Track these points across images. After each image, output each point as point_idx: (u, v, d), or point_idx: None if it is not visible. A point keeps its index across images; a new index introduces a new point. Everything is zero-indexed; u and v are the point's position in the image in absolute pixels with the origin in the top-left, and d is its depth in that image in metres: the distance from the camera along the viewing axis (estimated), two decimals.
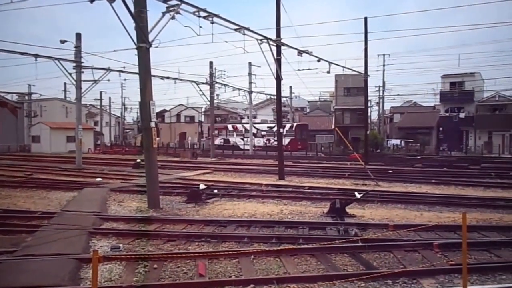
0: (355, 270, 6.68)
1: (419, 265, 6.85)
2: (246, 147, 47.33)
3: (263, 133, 48.59)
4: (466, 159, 35.58)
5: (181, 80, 35.69)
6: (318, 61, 23.97)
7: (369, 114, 45.18)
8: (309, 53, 22.49)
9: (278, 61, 20.36)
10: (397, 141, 50.54)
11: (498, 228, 9.43)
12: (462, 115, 48.09)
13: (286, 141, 43.08)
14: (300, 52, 21.96)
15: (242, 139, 49.49)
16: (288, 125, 46.26)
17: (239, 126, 51.27)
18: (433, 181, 18.94)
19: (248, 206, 12.77)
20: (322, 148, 48.11)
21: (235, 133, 50.75)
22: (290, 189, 16.19)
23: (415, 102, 59.41)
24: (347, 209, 11.23)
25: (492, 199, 13.68)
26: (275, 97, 24.00)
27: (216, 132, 49.57)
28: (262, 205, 13.03)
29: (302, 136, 48.05)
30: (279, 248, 7.72)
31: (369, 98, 41.32)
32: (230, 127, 51.98)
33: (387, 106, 60.17)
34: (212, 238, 8.58)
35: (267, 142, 47.49)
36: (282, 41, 20.37)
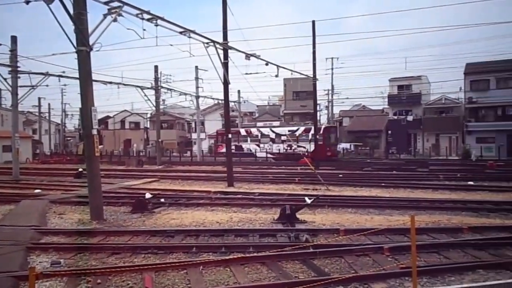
0: (306, 277, 6.50)
1: (370, 270, 6.78)
2: (262, 154, 42.02)
3: (283, 138, 42.17)
4: (414, 161, 36.95)
5: (124, 85, 34.46)
6: (266, 64, 23.94)
7: (318, 118, 45.82)
8: (257, 57, 22.40)
9: (225, 65, 20.07)
10: (347, 145, 51.37)
11: (446, 229, 9.58)
12: (410, 118, 49.89)
13: (312, 147, 38.95)
14: (247, 56, 21.80)
15: (258, 145, 43.90)
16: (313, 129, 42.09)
17: (253, 130, 45.18)
18: (383, 184, 19.34)
19: (196, 214, 12.35)
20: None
21: (249, 139, 44.87)
22: (239, 196, 15.88)
23: (364, 105, 61.27)
24: (298, 215, 11.08)
25: (441, 201, 14.02)
26: (223, 101, 23.67)
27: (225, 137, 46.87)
28: (211, 213, 12.64)
29: (331, 140, 42.07)
30: (228, 257, 7.40)
31: (318, 101, 42.04)
32: (243, 131, 45.65)
33: (336, 110, 61.69)
34: (159, 249, 8.19)
35: (288, 148, 41.45)
36: (229, 44, 20.13)
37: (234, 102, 49.57)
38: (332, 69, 55.07)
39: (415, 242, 4.94)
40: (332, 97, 57.15)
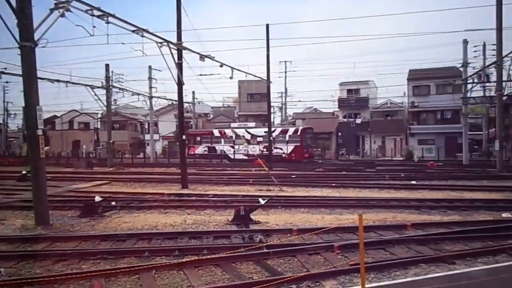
0: (260, 278, 6.56)
1: (322, 268, 6.97)
2: (237, 156, 40.95)
3: (259, 139, 41.31)
4: (362, 162, 38.33)
5: (73, 83, 33.12)
6: (221, 66, 23.95)
7: (272, 120, 46.32)
8: (212, 58, 22.36)
9: (179, 65, 19.85)
10: None
11: (392, 227, 10.04)
12: (358, 120, 51.90)
13: (289, 148, 39.33)
14: (202, 57, 21.71)
15: (232, 147, 42.74)
16: (291, 129, 41.00)
17: (228, 131, 43.99)
18: (333, 184, 19.87)
19: (149, 217, 12.12)
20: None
21: (222, 140, 43.73)
22: (193, 198, 15.79)
23: (316, 108, 62.64)
24: (252, 216, 11.17)
25: (386, 199, 14.67)
26: (177, 102, 23.40)
27: (199, 139, 44.58)
28: (164, 216, 12.46)
29: (308, 142, 41.54)
30: (182, 260, 7.34)
31: (272, 104, 42.53)
32: (216, 132, 44.54)
33: (290, 112, 62.55)
34: (110, 254, 7.95)
35: (265, 149, 39.82)
36: (183, 45, 19.94)
37: (188, 103, 49.07)
38: (285, 72, 56.04)
39: (363, 240, 5.12)
40: (285, 99, 58.13)
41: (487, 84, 36.11)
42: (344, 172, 27.44)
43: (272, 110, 44.97)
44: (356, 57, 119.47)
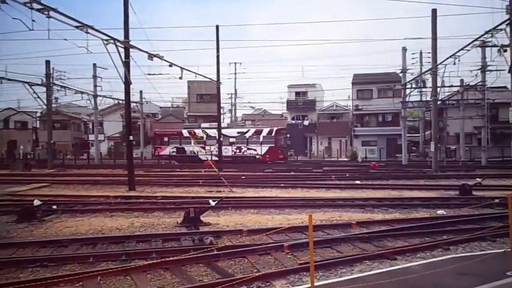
0: (210, 280, 6.55)
1: (272, 268, 7.07)
2: (208, 157, 38.12)
3: (231, 140, 40.08)
4: (310, 163, 39.23)
5: (9, 80, 31.15)
6: (170, 66, 23.59)
7: (222, 121, 46.17)
8: (161, 58, 21.97)
9: (126, 64, 19.33)
10: None
11: (338, 225, 10.39)
12: (306, 122, 53.30)
13: (263, 149, 38.40)
14: (150, 56, 21.28)
15: (203, 148, 41.03)
16: (265, 130, 39.60)
17: (198, 131, 42.20)
18: (282, 185, 20.18)
19: (93, 221, 11.69)
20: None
21: (192, 140, 41.97)
22: (141, 200, 15.43)
23: (265, 110, 63.32)
24: (202, 218, 11.12)
25: (333, 199, 15.11)
26: (123, 102, 22.76)
27: (166, 139, 42.42)
28: (110, 219, 12.06)
29: (282, 143, 41.13)
30: (129, 265, 7.14)
31: (221, 105, 42.39)
32: (185, 132, 42.60)
33: (239, 113, 62.73)
34: (50, 261, 7.54)
35: (237, 150, 39.77)
36: (131, 43, 19.44)
37: (136, 102, 47.70)
38: (235, 73, 56.16)
39: (312, 239, 5.28)
40: (235, 100, 58.23)
41: (424, 89, 38.20)
42: (292, 173, 27.97)
43: (221, 111, 44.83)
44: (305, 60, 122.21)
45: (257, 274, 6.57)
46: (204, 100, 51.98)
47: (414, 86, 37.59)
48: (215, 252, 7.72)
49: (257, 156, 38.78)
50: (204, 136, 41.58)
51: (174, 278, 6.72)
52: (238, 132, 40.38)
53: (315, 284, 5.36)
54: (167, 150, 42.47)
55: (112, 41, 18.36)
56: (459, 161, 37.75)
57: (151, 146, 50.24)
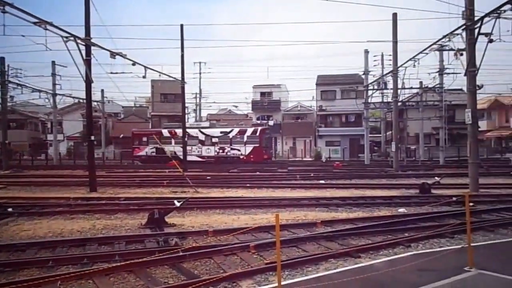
0: (176, 282, 6.46)
1: (238, 268, 7.04)
2: (190, 158, 37.06)
3: (214, 140, 39.35)
4: (275, 163, 39.42)
5: None
6: (133, 64, 23.16)
7: (186, 120, 45.60)
8: (123, 56, 21.49)
9: (87, 62, 18.80)
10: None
11: (303, 225, 10.49)
12: (271, 122, 53.66)
13: (247, 149, 37.63)
14: (113, 54, 20.75)
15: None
16: (250, 130, 39.00)
17: (179, 131, 39.55)
18: (248, 185, 20.21)
19: (53, 224, 11.26)
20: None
21: (173, 141, 40.31)
22: (103, 202, 14.99)
23: (230, 109, 63.19)
24: (167, 219, 10.96)
25: (298, 198, 15.29)
26: (84, 101, 22.09)
27: (145, 139, 40.68)
28: (70, 221, 11.67)
29: (266, 143, 40.74)
30: (91, 268, 6.92)
31: (186, 104, 41.95)
32: (165, 132, 41.16)
33: (204, 113, 62.37)
34: (6, 266, 7.20)
35: (220, 151, 38.84)
36: (92, 40, 18.89)
37: (97, 102, 46.41)
38: (200, 73, 55.80)
39: (279, 239, 5.30)
40: (200, 100, 57.79)
41: (385, 90, 39.37)
42: (258, 173, 28.04)
43: (186, 111, 44.37)
44: (270, 61, 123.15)
45: (223, 275, 6.53)
46: (168, 100, 51.29)
47: (376, 87, 38.65)
48: (181, 253, 7.61)
49: (241, 157, 38.27)
50: (186, 136, 40.58)
51: (138, 280, 6.57)
52: (221, 132, 39.64)
53: (282, 283, 5.38)
54: (146, 151, 41.13)
55: (72, 38, 17.79)
56: (419, 160, 39.09)
57: (113, 146, 49.07)
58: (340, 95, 51.72)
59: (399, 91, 31.86)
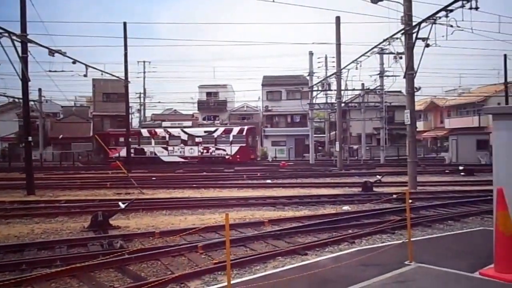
0: (122, 285, 6.30)
1: (186, 269, 6.98)
2: (171, 158, 36.92)
3: (198, 139, 38.28)
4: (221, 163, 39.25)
5: None
6: (74, 63, 22.18)
7: (130, 121, 44.42)
8: (63, 54, 20.55)
9: (24, 60, 17.80)
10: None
11: (251, 224, 10.59)
12: (217, 123, 53.26)
13: (233, 149, 36.52)
14: (51, 52, 19.80)
15: (166, 148, 38.72)
16: (236, 129, 38.30)
17: (159, 131, 39.53)
18: (194, 185, 20.05)
19: None
20: (80, 157, 44.80)
21: (153, 141, 39.20)
22: (42, 205, 14.26)
23: (175, 110, 62.32)
24: (111, 221, 10.62)
25: (245, 198, 15.37)
26: (20, 100, 20.87)
27: (122, 139, 37.91)
28: (6, 226, 10.99)
29: (252, 143, 40.10)
30: (30, 274, 6.56)
31: (130, 104, 40.85)
32: (145, 132, 39.81)
33: (149, 113, 61.03)
34: None
35: (205, 151, 37.87)
36: (29, 37, 17.91)
37: (34, 101, 43.89)
38: (144, 72, 54.46)
39: (229, 238, 5.31)
40: (144, 100, 56.45)
41: (329, 92, 40.57)
42: (204, 173, 27.88)
43: (130, 111, 43.17)
44: (216, 61, 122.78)
45: (171, 276, 6.45)
46: (111, 99, 49.61)
47: (320, 88, 39.72)
48: (126, 256, 7.41)
49: (227, 157, 37.53)
50: (167, 135, 39.38)
51: (82, 285, 6.34)
52: (205, 131, 38.82)
53: (231, 282, 5.40)
54: (124, 152, 38.54)
55: (6, 34, 16.80)
56: (361, 160, 40.69)
57: (51, 147, 46.71)
58: (286, 96, 52.64)
59: (342, 92, 32.95)
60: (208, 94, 56.36)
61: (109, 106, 49.27)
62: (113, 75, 30.46)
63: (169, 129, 39.73)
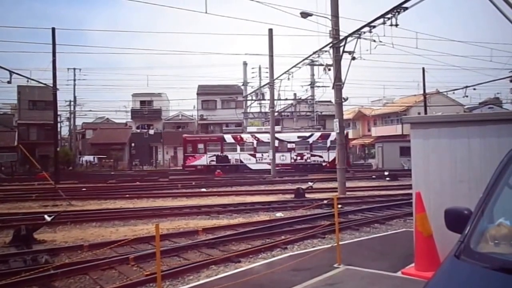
0: None
1: (116, 282, 6.78)
2: (260, 166, 33.35)
3: (290, 145, 35.07)
4: (156, 172, 38.56)
5: None
6: None
7: (59, 129, 42.18)
8: None
9: None
10: (90, 158, 49.79)
11: (185, 233, 10.51)
12: (151, 131, 52.45)
13: (331, 155, 32.78)
14: None
15: (253, 155, 35.28)
16: (333, 134, 31.59)
17: (246, 136, 35.96)
18: (127, 195, 19.47)
19: None
20: (3, 168, 41.64)
21: (238, 147, 35.78)
22: None
23: (108, 118, 60.13)
24: (36, 235, 10.02)
25: (180, 207, 15.24)
26: None
27: (201, 146, 34.65)
28: None
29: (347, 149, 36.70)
30: None
31: (59, 113, 38.91)
32: (229, 138, 36.06)
33: (79, 122, 58.36)
34: None
35: (298, 157, 34.95)
36: None
37: None
38: (74, 80, 51.93)
39: (159, 249, 5.27)
40: (74, 108, 53.84)
41: (263, 101, 41.43)
42: (138, 183, 27.14)
43: (59, 119, 41.00)
44: (150, 69, 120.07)
45: None
46: (38, 107, 46.85)
47: (254, 98, 40.41)
48: (52, 271, 7.06)
49: (324, 163, 35.18)
50: (254, 141, 36.20)
51: None
52: (298, 137, 36.22)
53: None
54: (203, 160, 35.95)
55: None
56: None
57: None
58: (221, 105, 52.90)
59: (275, 102, 33.71)
60: (142, 102, 55.14)
61: (36, 114, 46.50)
62: (40, 82, 28.89)
63: (257, 135, 36.91)
